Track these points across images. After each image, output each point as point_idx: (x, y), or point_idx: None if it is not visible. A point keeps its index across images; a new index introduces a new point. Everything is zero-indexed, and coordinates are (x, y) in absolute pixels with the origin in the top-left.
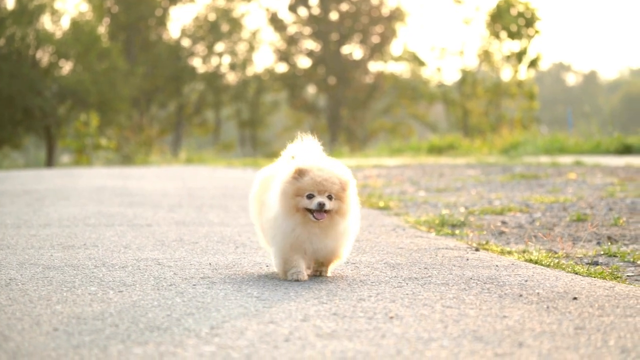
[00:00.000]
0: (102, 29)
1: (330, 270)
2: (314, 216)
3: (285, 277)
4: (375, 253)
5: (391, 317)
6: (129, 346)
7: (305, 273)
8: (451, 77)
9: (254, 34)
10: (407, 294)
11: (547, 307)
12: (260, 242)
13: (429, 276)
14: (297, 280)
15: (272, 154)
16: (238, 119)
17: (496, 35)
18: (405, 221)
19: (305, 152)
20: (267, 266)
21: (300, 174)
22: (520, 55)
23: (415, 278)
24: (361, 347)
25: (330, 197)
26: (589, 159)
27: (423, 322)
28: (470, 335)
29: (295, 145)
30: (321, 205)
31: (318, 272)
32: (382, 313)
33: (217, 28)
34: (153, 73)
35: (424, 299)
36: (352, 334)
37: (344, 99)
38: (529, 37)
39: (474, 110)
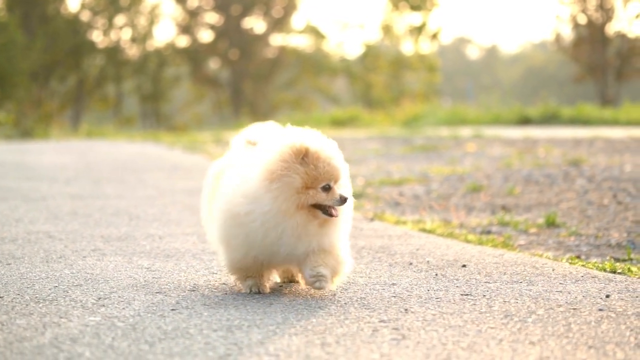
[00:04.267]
0: None
1: (336, 281)
2: (328, 213)
3: (242, 287)
4: None
5: (281, 286)
6: (13, 317)
7: (266, 284)
8: (354, 51)
9: (153, 8)
10: None
11: (436, 275)
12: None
13: None
14: (258, 293)
15: (174, 128)
16: (139, 93)
17: (396, 6)
18: None
19: (268, 135)
20: (160, 238)
21: (306, 156)
22: (420, 29)
23: None
24: (248, 315)
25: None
26: (489, 131)
27: (312, 291)
28: (357, 302)
29: (253, 129)
30: (345, 200)
31: (315, 284)
32: (271, 282)
33: (116, 1)
34: (52, 47)
35: None
36: (239, 303)
37: (247, 72)
38: (428, 10)
39: (377, 83)
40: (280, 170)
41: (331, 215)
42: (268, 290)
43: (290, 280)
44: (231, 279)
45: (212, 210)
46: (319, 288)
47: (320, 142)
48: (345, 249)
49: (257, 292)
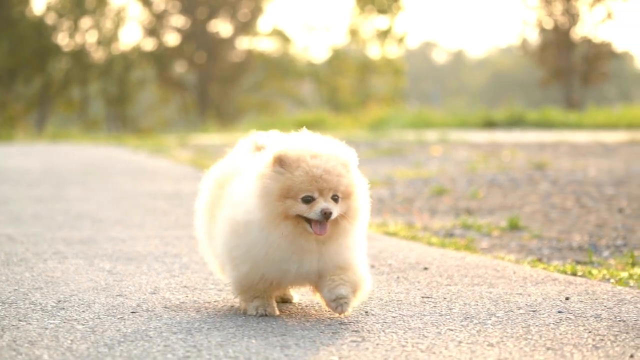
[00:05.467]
0: None
1: (358, 298)
2: (312, 227)
3: (246, 310)
4: None
5: None
6: None
7: (275, 305)
8: (320, 54)
9: (119, 11)
10: None
11: (397, 277)
12: (210, 266)
13: None
14: (264, 316)
15: (140, 131)
16: (105, 96)
17: (363, 10)
18: None
19: (276, 140)
20: (122, 241)
21: (282, 163)
22: (386, 33)
23: None
24: (208, 318)
25: (336, 197)
26: (455, 134)
27: None
28: (318, 305)
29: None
30: (327, 215)
31: (337, 308)
32: None
33: (82, 3)
34: (17, 50)
35: None
36: (200, 305)
37: (213, 75)
38: (394, 13)
39: (343, 86)
40: (264, 179)
41: (315, 232)
42: (277, 312)
43: (283, 300)
44: (236, 301)
45: (215, 220)
46: (342, 312)
47: (309, 150)
48: (364, 266)
49: (264, 314)
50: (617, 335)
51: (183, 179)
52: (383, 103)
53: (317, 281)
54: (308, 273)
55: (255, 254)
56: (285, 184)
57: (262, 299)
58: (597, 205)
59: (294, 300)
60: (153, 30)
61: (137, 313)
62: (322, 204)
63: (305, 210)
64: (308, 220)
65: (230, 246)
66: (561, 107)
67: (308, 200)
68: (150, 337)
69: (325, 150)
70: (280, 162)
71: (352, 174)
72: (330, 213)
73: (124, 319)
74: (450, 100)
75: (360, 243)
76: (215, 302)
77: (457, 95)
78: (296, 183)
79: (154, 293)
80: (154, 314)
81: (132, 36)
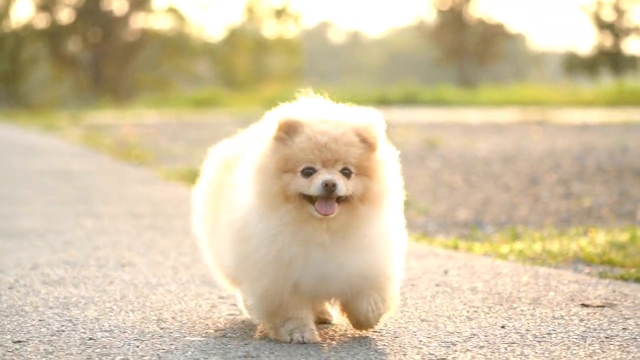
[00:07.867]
0: None
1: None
2: (315, 208)
3: (277, 336)
4: (121, 204)
5: (123, 265)
6: None
7: (313, 327)
8: (216, 32)
9: None
10: (144, 243)
11: None
12: (215, 275)
13: (171, 226)
14: (301, 343)
15: (32, 108)
16: None
17: None
18: (157, 174)
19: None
20: (4, 218)
21: (289, 130)
22: (281, 12)
23: (157, 227)
24: (86, 293)
25: (347, 172)
26: None
27: (154, 269)
28: (198, 280)
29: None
30: (329, 187)
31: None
32: (114, 261)
33: None
34: None
35: (160, 247)
36: (79, 281)
37: (108, 53)
38: None
39: (239, 65)
40: (262, 153)
41: (319, 212)
42: (318, 338)
43: (320, 321)
44: (263, 327)
45: (219, 217)
46: (369, 321)
47: (318, 115)
48: (397, 273)
49: (300, 340)
50: (491, 307)
51: (73, 157)
52: (279, 81)
53: (349, 295)
54: (329, 277)
55: (264, 252)
56: (284, 153)
57: (297, 320)
58: (485, 182)
59: (333, 321)
60: (45, 7)
61: (14, 289)
62: (324, 175)
63: (305, 184)
64: (313, 202)
65: (238, 257)
66: (456, 85)
67: (308, 173)
68: (26, 312)
69: (338, 115)
70: (286, 128)
71: (372, 146)
72: (334, 185)
73: (0, 295)
74: (347, 79)
75: (396, 239)
76: (95, 277)
77: (354, 74)
78: (295, 152)
79: (33, 269)
80: (32, 290)
81: (24, 12)
